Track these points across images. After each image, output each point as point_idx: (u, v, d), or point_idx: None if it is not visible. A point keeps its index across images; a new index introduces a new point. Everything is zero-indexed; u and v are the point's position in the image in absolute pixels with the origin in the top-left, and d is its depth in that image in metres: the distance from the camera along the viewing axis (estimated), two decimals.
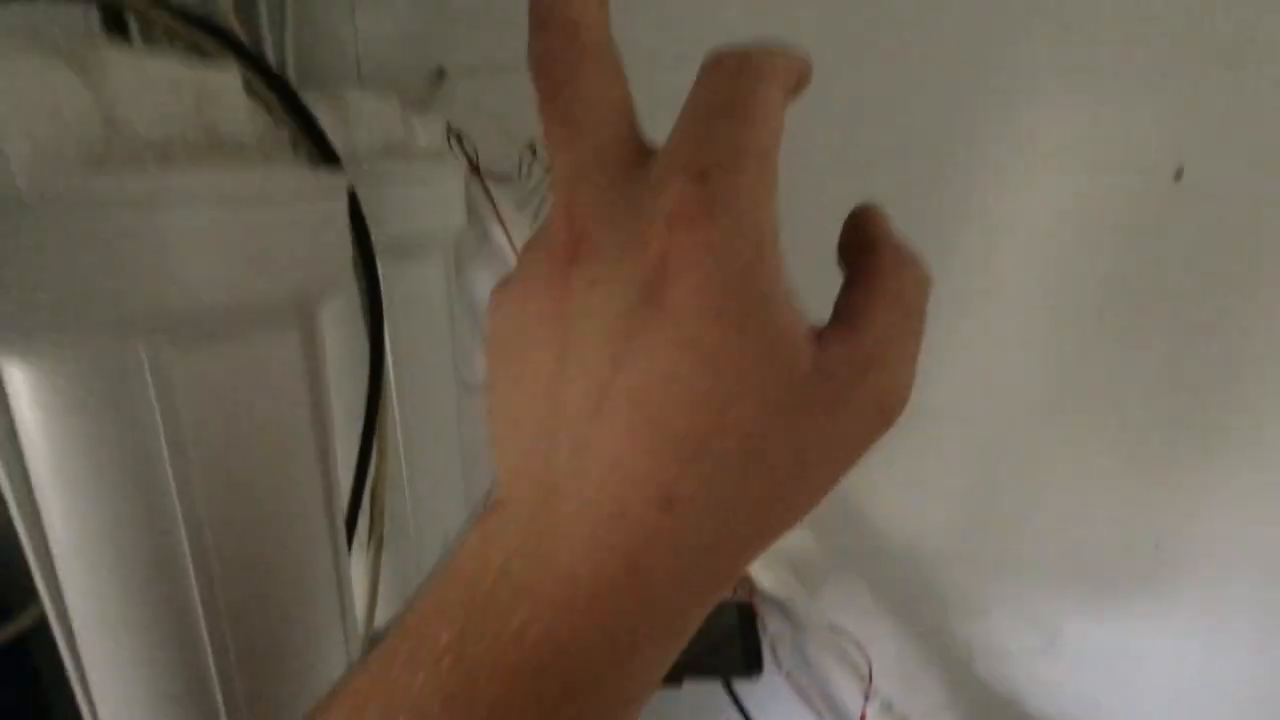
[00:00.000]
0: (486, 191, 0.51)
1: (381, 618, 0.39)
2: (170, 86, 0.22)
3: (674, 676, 0.51)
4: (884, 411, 0.17)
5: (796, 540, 0.63)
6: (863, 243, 0.18)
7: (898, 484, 0.61)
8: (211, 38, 0.26)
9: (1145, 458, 0.60)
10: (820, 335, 0.16)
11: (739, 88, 0.15)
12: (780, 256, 0.16)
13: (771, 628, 0.57)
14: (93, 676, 0.25)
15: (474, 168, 0.50)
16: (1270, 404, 0.57)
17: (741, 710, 0.54)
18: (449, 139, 0.49)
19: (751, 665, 0.50)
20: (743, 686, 0.58)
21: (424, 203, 0.37)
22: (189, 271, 0.20)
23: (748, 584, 0.58)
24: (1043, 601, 0.64)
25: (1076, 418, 0.59)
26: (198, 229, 0.20)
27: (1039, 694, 0.67)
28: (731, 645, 0.52)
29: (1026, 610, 0.65)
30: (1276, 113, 0.51)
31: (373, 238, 0.32)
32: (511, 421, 0.17)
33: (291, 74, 0.49)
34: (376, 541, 0.37)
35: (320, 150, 0.28)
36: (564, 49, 0.16)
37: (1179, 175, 0.54)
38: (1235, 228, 0.54)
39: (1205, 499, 0.60)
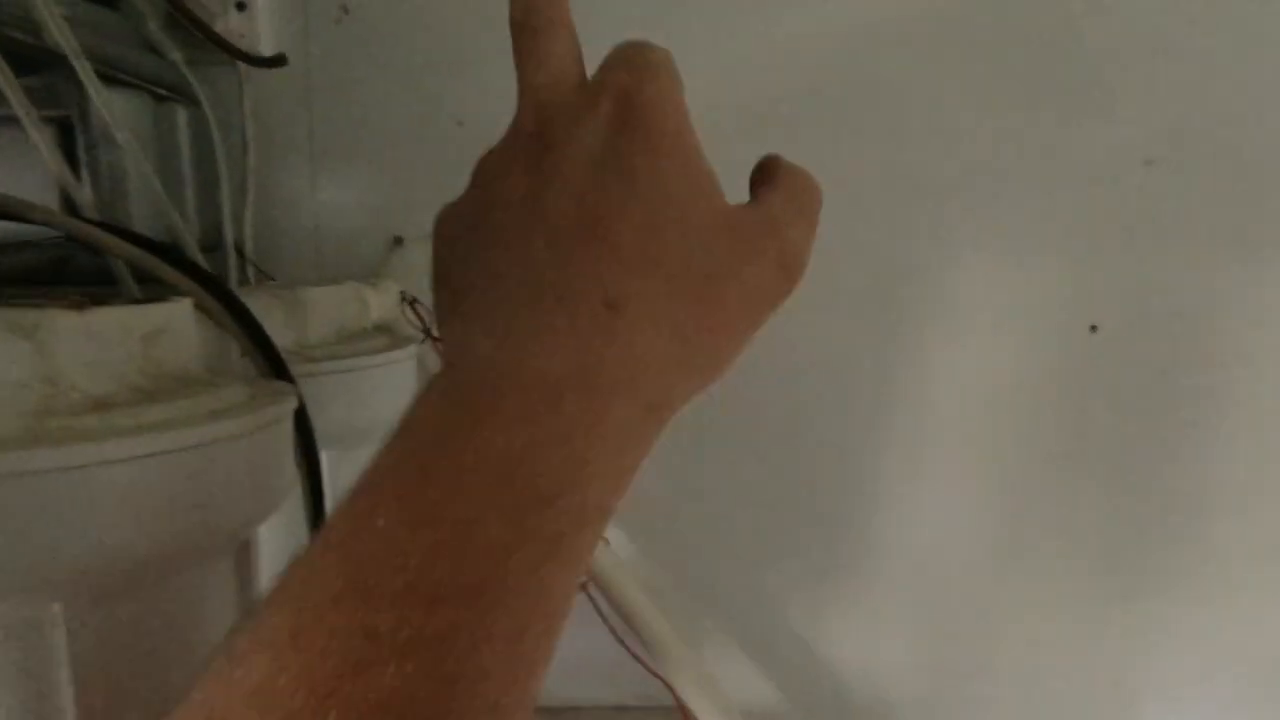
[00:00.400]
0: (441, 356, 0.52)
1: None
2: (118, 334, 0.22)
3: None
4: (786, 268, 0.20)
5: (759, 694, 0.61)
6: (764, 166, 0.22)
7: (857, 630, 0.61)
8: (169, 263, 0.27)
9: (1095, 596, 0.61)
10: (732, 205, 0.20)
11: (639, 43, 0.20)
12: (698, 140, 0.19)
13: None
14: None
15: (427, 333, 0.51)
16: (1216, 534, 0.60)
17: None
18: (402, 306, 0.51)
19: None
20: None
21: (373, 386, 0.37)
22: (123, 530, 0.20)
23: None
24: None
25: (1028, 559, 0.60)
26: (132, 489, 0.20)
27: None
28: None
29: None
30: (1177, 270, 0.56)
31: (319, 430, 0.32)
32: (463, 293, 0.19)
33: (251, 247, 0.50)
34: None
35: (271, 365, 0.28)
36: (541, 10, 0.20)
37: (1094, 329, 0.58)
38: (1152, 372, 0.58)
39: (1159, 635, 0.61)
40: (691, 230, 0.18)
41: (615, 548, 0.57)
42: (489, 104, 0.55)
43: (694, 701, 0.55)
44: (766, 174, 0.22)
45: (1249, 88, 0.54)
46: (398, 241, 0.55)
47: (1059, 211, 0.56)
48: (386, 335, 0.45)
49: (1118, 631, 0.62)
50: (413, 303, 0.52)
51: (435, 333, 0.52)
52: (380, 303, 0.48)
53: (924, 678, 0.62)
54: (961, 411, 0.58)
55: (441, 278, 0.20)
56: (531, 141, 0.19)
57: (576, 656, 0.62)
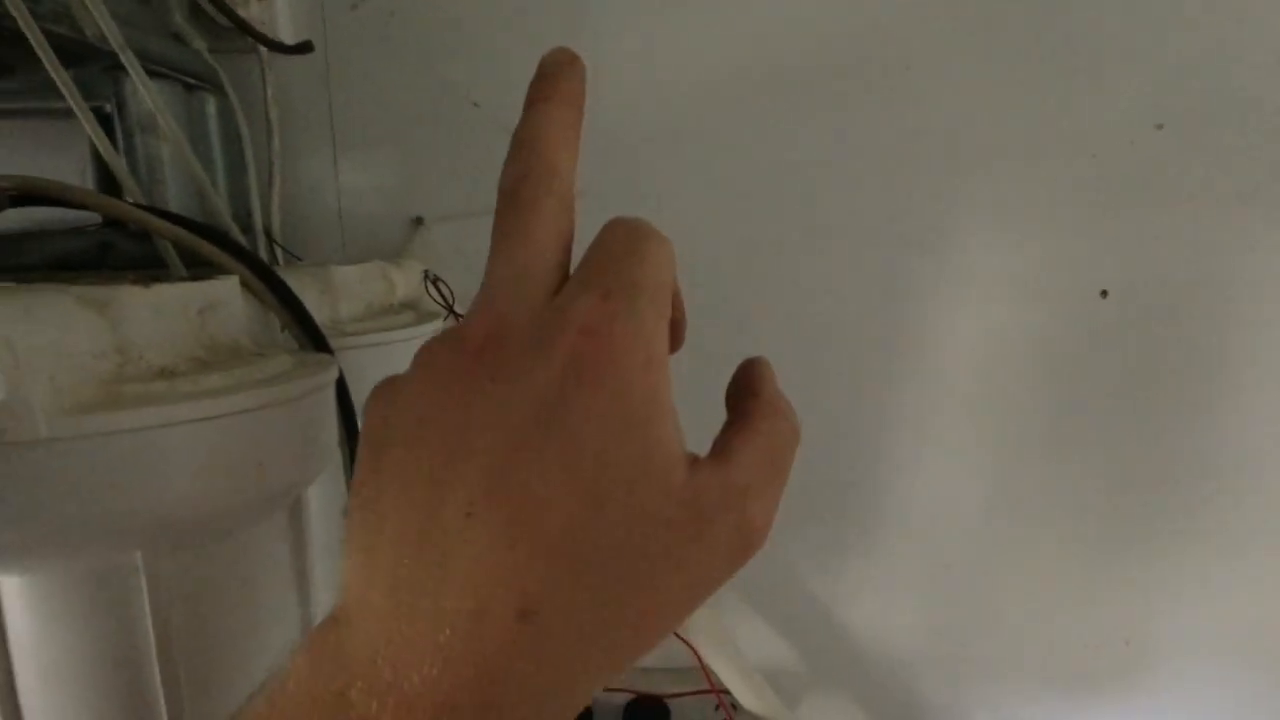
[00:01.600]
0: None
1: None
2: (179, 308, 0.24)
3: None
4: (745, 542, 0.18)
5: (775, 654, 0.63)
6: (745, 390, 0.20)
7: (871, 591, 0.63)
8: (214, 243, 0.29)
9: (1106, 556, 0.62)
10: (695, 461, 0.18)
11: (637, 238, 0.18)
12: (667, 378, 0.17)
13: None
14: None
15: (449, 310, 0.53)
16: (1222, 496, 0.61)
17: None
18: (426, 284, 0.52)
19: None
20: None
21: (403, 359, 0.39)
22: (191, 485, 0.22)
23: (729, 701, 0.58)
24: (1023, 703, 0.65)
25: (1037, 522, 0.61)
26: (198, 448, 0.22)
27: None
28: None
29: (1008, 713, 0.65)
30: (1189, 234, 0.57)
31: (355, 400, 0.34)
32: (375, 527, 0.16)
33: (278, 230, 0.52)
34: None
35: (311, 338, 0.30)
36: (536, 181, 0.18)
37: (1105, 294, 0.59)
38: (1161, 336, 0.59)
39: (1170, 592, 0.63)
40: (636, 517, 0.16)
41: None
42: (504, 85, 0.56)
43: (714, 661, 0.57)
44: (746, 402, 0.20)
45: (1259, 49, 0.54)
46: (418, 222, 0.57)
47: (1068, 176, 0.57)
48: (412, 312, 0.47)
49: (1128, 591, 0.63)
50: (435, 281, 0.54)
51: (458, 310, 0.53)
52: (405, 281, 0.50)
53: (936, 637, 0.64)
54: (971, 378, 0.59)
55: (355, 491, 0.17)
56: (473, 362, 0.16)
57: None
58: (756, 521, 0.18)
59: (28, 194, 0.28)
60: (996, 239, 0.57)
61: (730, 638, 0.59)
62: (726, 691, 0.58)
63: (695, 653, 0.57)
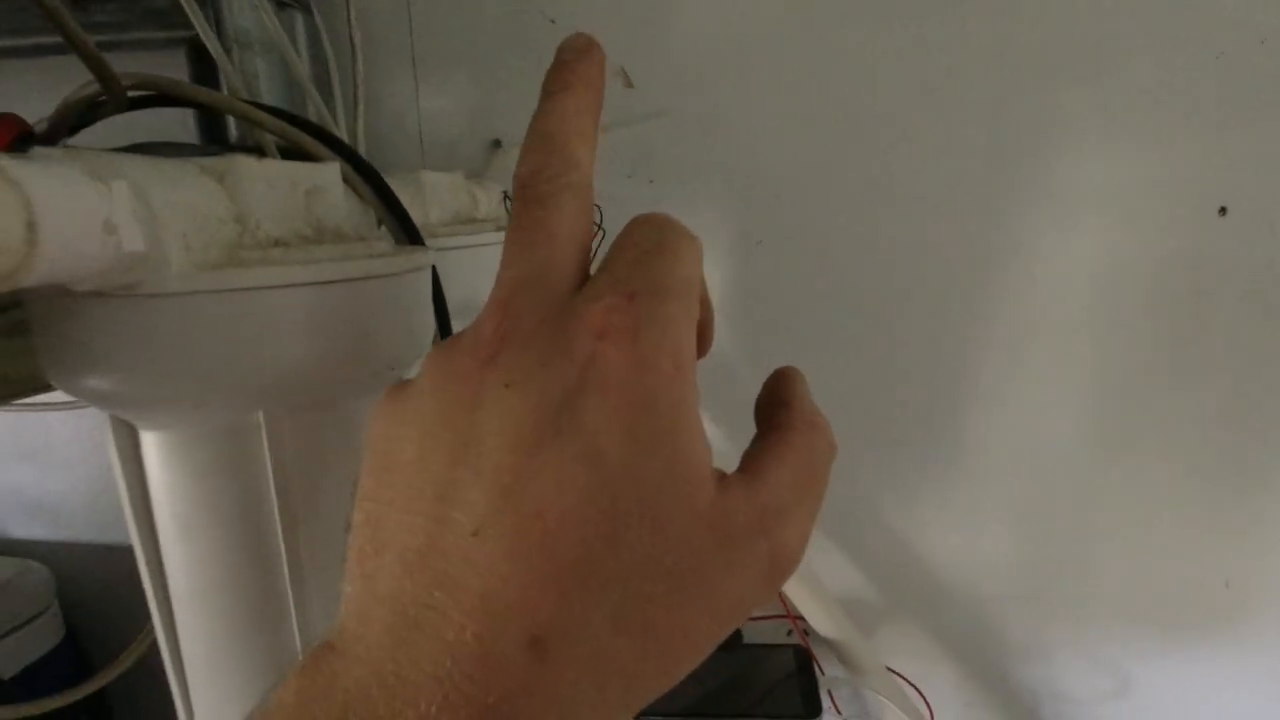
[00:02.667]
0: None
1: None
2: (288, 186, 0.25)
3: None
4: (776, 566, 0.16)
5: (850, 583, 0.63)
6: (776, 402, 0.19)
7: (952, 523, 0.61)
8: (316, 138, 0.30)
9: (1209, 493, 0.59)
10: (723, 478, 0.16)
11: (666, 235, 0.17)
12: (694, 387, 0.16)
13: (828, 672, 0.57)
14: (201, 715, 0.27)
15: None
16: None
17: None
18: (505, 205, 0.53)
19: (810, 710, 0.50)
20: None
21: (488, 265, 0.40)
22: (305, 346, 0.23)
23: (802, 628, 0.58)
24: (1110, 644, 0.63)
25: (1137, 454, 0.58)
26: (313, 311, 0.23)
27: None
28: (788, 690, 0.52)
29: (1093, 653, 0.63)
30: None
31: (447, 302, 0.34)
32: (377, 546, 0.15)
33: (364, 152, 0.53)
34: None
35: (406, 231, 0.31)
36: (554, 175, 0.17)
37: (1223, 212, 0.54)
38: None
39: (1274, 536, 0.59)
40: (659, 538, 0.14)
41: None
42: (581, 3, 0.55)
43: (789, 584, 0.58)
44: (778, 414, 0.18)
45: None
46: (496, 144, 0.57)
47: (1180, 88, 0.52)
48: (495, 225, 0.47)
49: (1230, 533, 0.60)
50: None
51: None
52: (486, 199, 0.50)
53: (1019, 572, 0.62)
54: (1071, 303, 0.56)
55: (360, 503, 0.16)
56: (485, 366, 0.15)
57: None
58: (790, 547, 0.16)
59: (146, 88, 0.29)
60: (1101, 150, 0.54)
61: (806, 563, 0.59)
62: (801, 617, 0.59)
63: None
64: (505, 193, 0.54)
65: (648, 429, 0.15)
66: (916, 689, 0.59)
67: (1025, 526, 0.61)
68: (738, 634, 0.60)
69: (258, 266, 0.21)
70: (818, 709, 0.50)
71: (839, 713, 0.57)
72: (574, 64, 0.19)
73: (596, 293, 0.16)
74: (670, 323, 0.15)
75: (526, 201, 0.17)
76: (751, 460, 0.17)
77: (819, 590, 0.57)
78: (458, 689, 0.13)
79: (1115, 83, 0.52)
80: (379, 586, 0.15)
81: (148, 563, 0.25)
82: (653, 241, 0.17)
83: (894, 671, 0.59)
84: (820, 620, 0.57)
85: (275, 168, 0.24)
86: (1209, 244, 0.54)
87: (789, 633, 0.60)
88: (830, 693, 0.57)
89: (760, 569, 0.16)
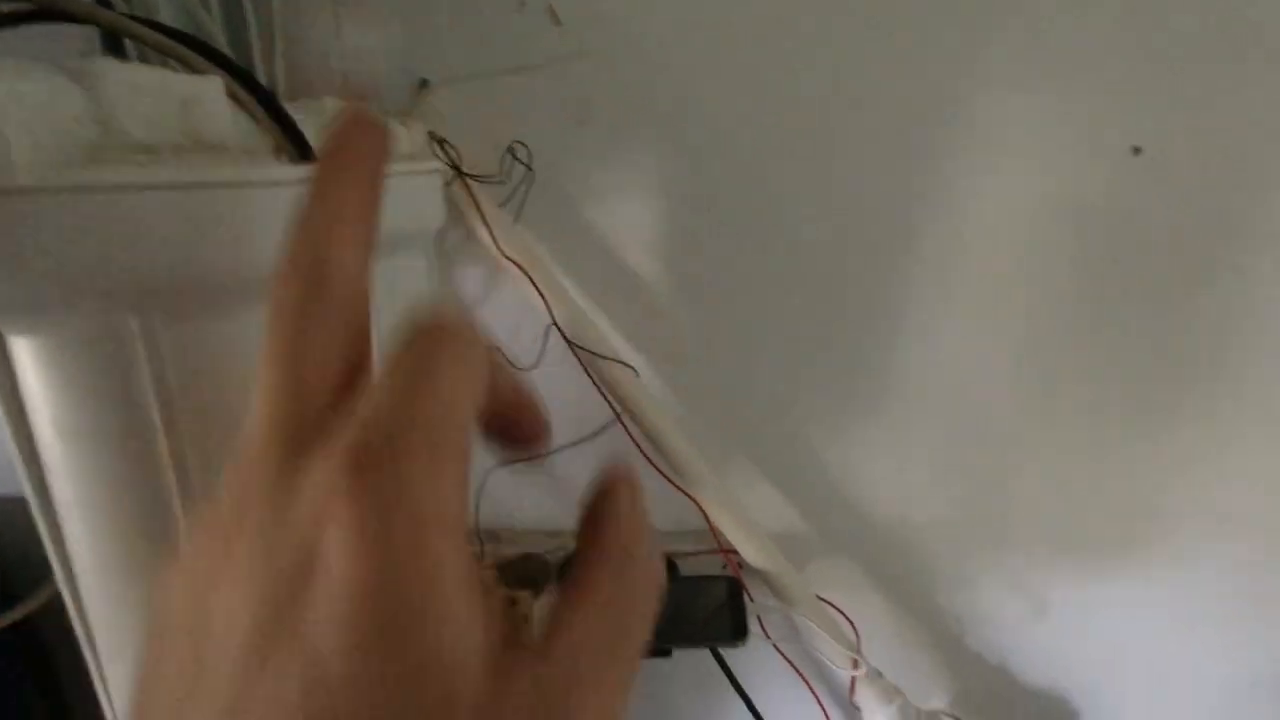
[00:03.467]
0: (470, 192, 0.54)
1: None
2: (158, 93, 0.25)
3: (663, 648, 0.53)
4: None
5: (782, 517, 0.65)
6: (597, 517, 0.16)
7: (880, 459, 0.63)
8: (198, 53, 0.29)
9: (1133, 426, 0.61)
10: (509, 648, 0.14)
11: (428, 359, 0.14)
12: (456, 546, 0.13)
13: (759, 600, 0.59)
14: (98, 630, 0.27)
15: (456, 170, 0.53)
16: (1247, 370, 0.59)
17: (731, 677, 0.56)
18: (431, 145, 0.52)
19: (738, 633, 0.52)
20: (733, 658, 0.60)
21: (404, 200, 0.40)
22: (168, 250, 0.23)
23: (736, 560, 0.60)
24: (1030, 571, 0.66)
25: (1062, 389, 0.61)
26: (182, 215, 0.23)
27: (1030, 665, 0.69)
28: (719, 616, 0.54)
29: (1014, 580, 0.66)
30: (1225, 88, 0.53)
31: None
32: (145, 685, 0.14)
33: (281, 88, 0.52)
34: None
35: (298, 147, 0.31)
36: (305, 284, 0.14)
37: (1137, 152, 0.56)
38: (1194, 197, 0.56)
39: (1185, 468, 0.62)
40: None
41: (643, 380, 0.60)
42: None
43: (721, 520, 0.59)
44: (593, 535, 0.16)
45: None
46: (423, 83, 0.56)
47: (1095, 29, 0.53)
48: (414, 161, 0.47)
49: (1147, 465, 0.62)
50: (441, 142, 0.54)
51: (464, 169, 0.53)
52: (409, 138, 0.50)
53: (946, 504, 0.64)
54: (993, 241, 0.58)
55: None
56: (221, 533, 0.14)
57: None
58: (583, 705, 0.14)
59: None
60: (1022, 94, 0.54)
61: (736, 500, 0.61)
62: (734, 551, 0.60)
63: (703, 511, 0.59)
64: (431, 133, 0.54)
65: (376, 624, 0.12)
66: (844, 614, 0.61)
67: (952, 460, 0.63)
68: (673, 566, 0.62)
69: (116, 165, 0.21)
70: (744, 632, 0.52)
71: (768, 637, 0.60)
72: (351, 142, 0.16)
73: (327, 463, 0.13)
74: (409, 485, 0.13)
75: (274, 315, 0.15)
76: (553, 613, 0.15)
77: (747, 521, 0.59)
78: None
79: (1033, 25, 0.53)
80: None
81: (29, 476, 0.25)
82: (408, 369, 0.14)
83: (824, 600, 0.61)
84: (750, 552, 0.59)
85: (144, 73, 0.24)
86: (1126, 184, 0.56)
87: (723, 567, 0.62)
88: (760, 618, 0.59)
89: None
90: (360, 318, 0.15)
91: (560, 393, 0.61)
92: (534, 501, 0.66)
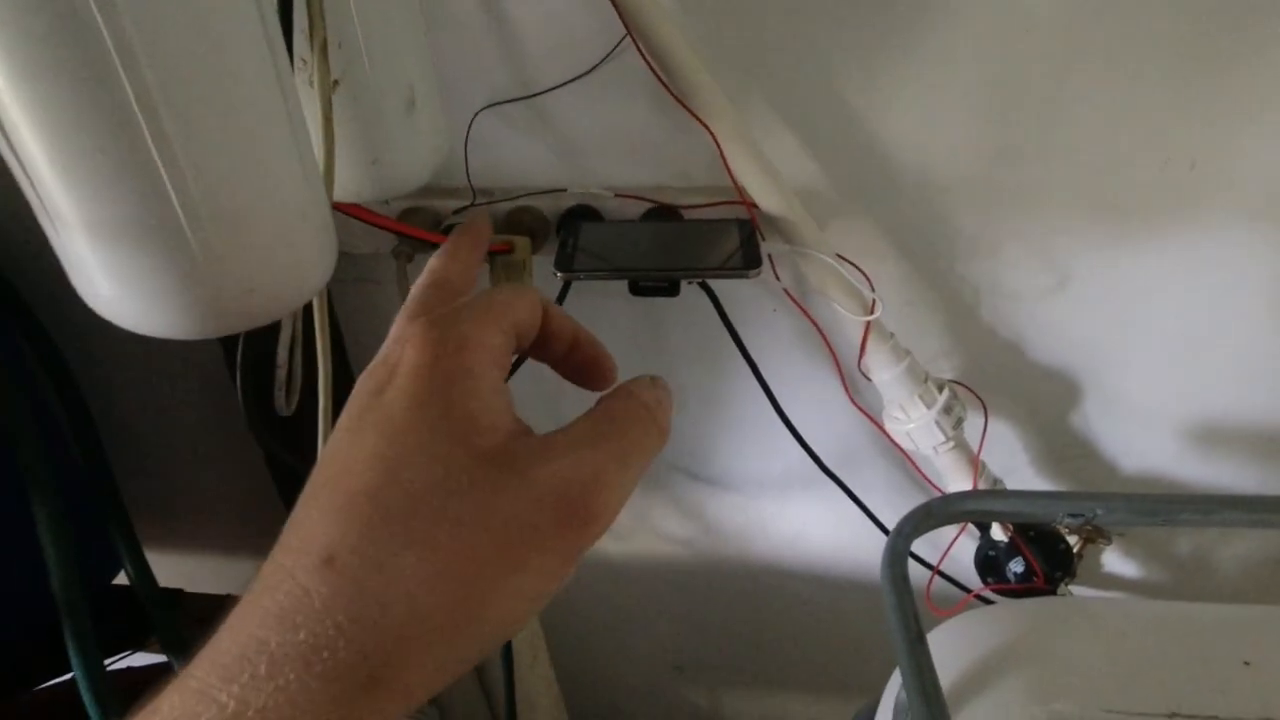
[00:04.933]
0: None
1: (339, 156, 0.36)
2: None
3: (670, 282, 0.49)
4: (565, 499, 0.19)
5: (802, 171, 0.59)
6: (613, 390, 0.23)
7: (912, 103, 0.56)
8: None
9: (1187, 70, 0.53)
10: (526, 431, 0.21)
11: (493, 293, 0.23)
12: (486, 362, 0.21)
13: (772, 245, 0.55)
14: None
15: None
16: None
17: (727, 324, 0.54)
18: None
19: (750, 262, 0.48)
20: (733, 312, 0.57)
21: None
22: None
23: (748, 205, 0.55)
24: (1058, 236, 0.61)
25: (1113, 30, 0.52)
26: None
27: (1042, 338, 0.67)
28: (731, 249, 0.50)
29: (1040, 247, 0.62)
30: None
31: None
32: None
33: None
34: (320, 54, 0.33)
35: None
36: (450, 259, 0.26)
37: None
38: None
39: (1248, 118, 0.55)
40: (439, 470, 0.18)
41: None
42: None
43: (735, 157, 0.53)
44: (607, 394, 0.22)
45: None
46: None
47: None
48: None
49: (1201, 113, 0.55)
50: None
51: None
52: None
53: (977, 159, 0.58)
54: None
55: None
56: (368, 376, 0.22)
57: (611, 135, 0.60)
58: (575, 479, 0.19)
59: None
60: None
61: (755, 141, 0.54)
62: (751, 204, 0.55)
63: (717, 144, 0.53)
64: None
65: (426, 390, 0.20)
66: (861, 270, 0.57)
67: (988, 107, 0.56)
68: (676, 211, 0.57)
69: None
70: (757, 261, 0.48)
71: (778, 279, 0.56)
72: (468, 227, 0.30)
73: (406, 328, 0.22)
74: (459, 326, 0.21)
75: (422, 295, 0.25)
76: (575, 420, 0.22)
77: (762, 159, 0.53)
78: (255, 606, 0.17)
79: None
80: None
81: None
82: (484, 294, 0.23)
83: (841, 257, 0.57)
84: (765, 193, 0.54)
85: None
86: None
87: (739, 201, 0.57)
88: (770, 258, 0.55)
89: (543, 498, 0.19)
90: (469, 284, 0.27)
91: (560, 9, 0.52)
92: (526, 154, 0.60)
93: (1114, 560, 0.79)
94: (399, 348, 0.21)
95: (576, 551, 0.19)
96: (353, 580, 0.17)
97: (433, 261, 0.26)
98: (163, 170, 0.23)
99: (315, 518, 0.18)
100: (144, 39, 0.20)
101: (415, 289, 0.24)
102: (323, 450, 0.20)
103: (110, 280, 0.25)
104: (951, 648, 0.46)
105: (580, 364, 0.25)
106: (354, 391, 0.21)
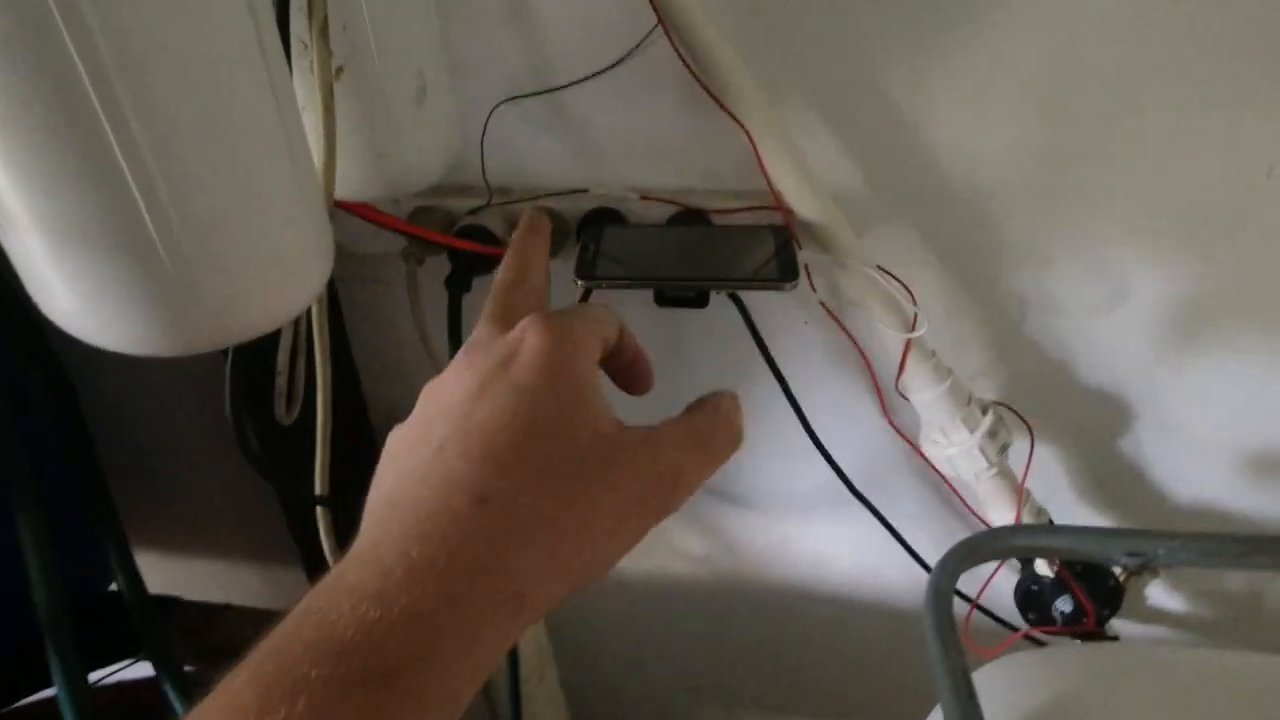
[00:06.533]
0: None
1: (342, 150, 0.32)
2: None
3: (699, 294, 0.45)
4: (663, 480, 0.24)
5: (842, 175, 0.55)
6: (700, 400, 0.28)
7: (963, 101, 0.52)
8: None
9: (1264, 70, 0.49)
10: (629, 426, 0.25)
11: (590, 309, 0.28)
12: (592, 368, 0.26)
13: (809, 254, 0.51)
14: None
15: None
16: None
17: (756, 336, 0.50)
18: None
19: (787, 274, 0.44)
20: (764, 329, 0.53)
21: None
22: None
23: (783, 210, 0.51)
24: (1116, 248, 0.57)
25: (1178, 18, 0.47)
26: None
27: (1090, 360, 0.62)
28: (765, 259, 0.46)
29: (1096, 259, 0.58)
30: None
31: None
32: (387, 472, 0.24)
33: None
34: (321, 36, 0.29)
35: None
36: (516, 282, 0.30)
37: None
38: None
39: None
40: (571, 442, 0.22)
41: None
42: None
43: (770, 157, 0.49)
44: (694, 404, 0.27)
45: None
46: None
47: None
48: None
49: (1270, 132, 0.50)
50: None
51: None
52: None
53: (1031, 161, 0.54)
54: None
55: (374, 482, 0.24)
56: (465, 354, 0.26)
57: (636, 133, 0.56)
58: (674, 469, 0.24)
59: None
60: None
61: (792, 143, 0.50)
62: (787, 210, 0.51)
63: (751, 142, 0.49)
64: None
65: (559, 372, 0.24)
66: (901, 282, 0.53)
67: (1045, 105, 0.52)
68: (705, 216, 0.53)
69: None
70: (794, 274, 0.44)
71: (814, 290, 0.52)
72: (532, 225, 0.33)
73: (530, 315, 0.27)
74: (573, 328, 0.25)
75: (510, 263, 0.30)
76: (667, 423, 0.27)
77: (799, 160, 0.49)
78: (421, 531, 0.20)
79: None
80: (383, 489, 0.24)
81: None
82: (585, 309, 0.27)
83: (881, 269, 0.53)
84: (801, 196, 0.50)
85: None
86: None
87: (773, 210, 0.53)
88: (807, 268, 0.51)
89: (649, 479, 0.24)
90: (545, 281, 0.31)
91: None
92: (546, 152, 0.56)
93: (1159, 594, 0.75)
94: (519, 334, 0.24)
95: (649, 530, 0.23)
96: (503, 515, 0.20)
97: (507, 260, 0.29)
98: (124, 164, 0.20)
99: (460, 466, 0.21)
100: (99, 13, 0.17)
101: (496, 287, 0.28)
102: (429, 410, 0.24)
103: (69, 290, 0.21)
104: (1001, 695, 0.42)
105: (633, 375, 0.30)
106: (463, 368, 0.24)
